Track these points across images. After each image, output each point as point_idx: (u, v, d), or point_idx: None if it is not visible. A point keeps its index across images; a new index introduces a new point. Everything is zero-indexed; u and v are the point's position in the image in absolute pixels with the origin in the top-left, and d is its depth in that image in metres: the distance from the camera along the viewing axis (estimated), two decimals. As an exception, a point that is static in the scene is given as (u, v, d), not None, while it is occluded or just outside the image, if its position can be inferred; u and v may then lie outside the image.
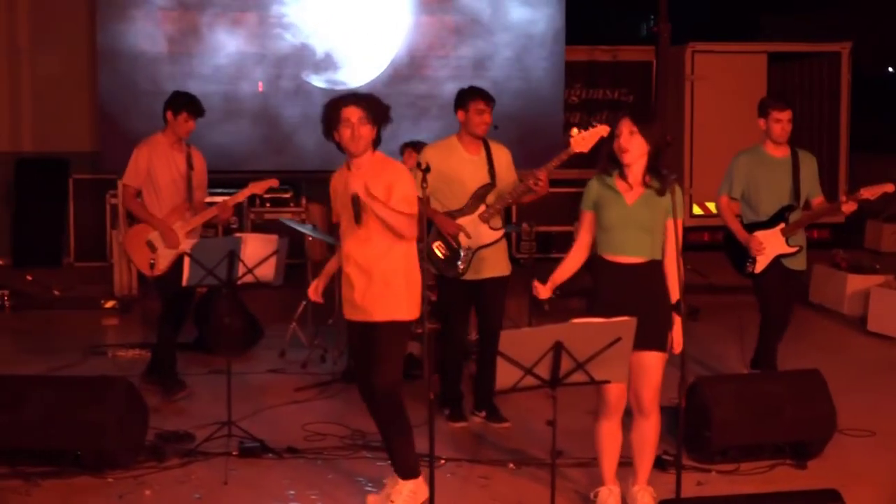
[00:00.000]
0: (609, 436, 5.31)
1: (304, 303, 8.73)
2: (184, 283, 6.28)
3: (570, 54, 12.06)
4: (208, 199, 7.81)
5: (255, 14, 11.13)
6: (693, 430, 6.11)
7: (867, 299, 9.89)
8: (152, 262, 7.13)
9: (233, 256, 6.21)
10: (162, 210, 7.22)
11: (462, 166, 6.46)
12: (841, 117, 13.99)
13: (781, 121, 6.90)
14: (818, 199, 7.13)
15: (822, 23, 17.99)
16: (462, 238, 6.44)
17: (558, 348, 4.33)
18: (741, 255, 7.02)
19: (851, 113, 13.92)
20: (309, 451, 6.33)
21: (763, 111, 6.97)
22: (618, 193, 5.09)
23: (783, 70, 14.43)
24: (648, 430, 5.32)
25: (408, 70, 11.35)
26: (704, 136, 13.28)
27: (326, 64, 11.27)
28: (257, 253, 6.33)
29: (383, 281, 5.27)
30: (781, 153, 7.04)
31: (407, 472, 5.36)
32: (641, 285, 5.07)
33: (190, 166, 7.30)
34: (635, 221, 5.06)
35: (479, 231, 6.43)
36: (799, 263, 7.08)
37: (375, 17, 11.31)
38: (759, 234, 6.95)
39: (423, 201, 5.28)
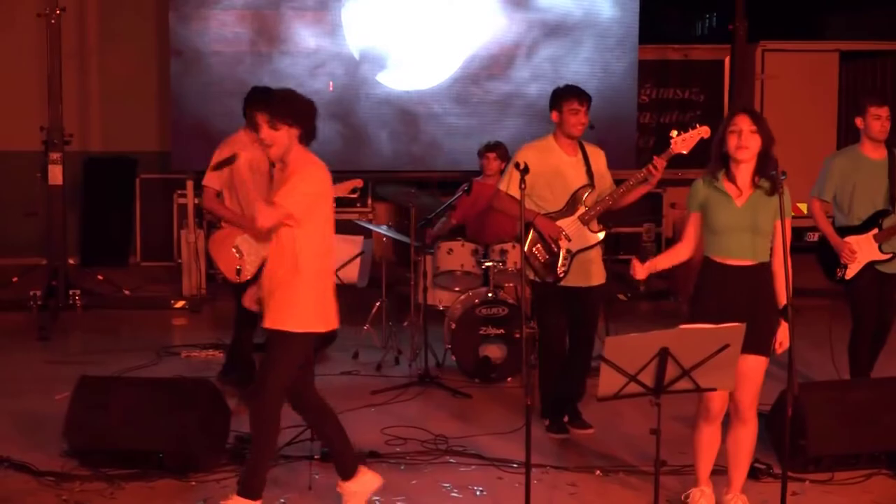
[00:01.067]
0: (709, 440, 5.23)
1: (377, 304, 8.71)
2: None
3: (642, 53, 11.91)
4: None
5: (327, 13, 11.08)
6: (790, 435, 6.01)
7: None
8: (239, 267, 6.95)
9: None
10: (247, 210, 7.06)
11: (563, 167, 6.36)
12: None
13: (881, 117, 6.74)
14: None
15: (892, 21, 17.68)
16: (562, 241, 6.32)
17: (664, 355, 4.24)
18: (832, 259, 6.87)
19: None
20: (391, 456, 6.27)
21: (861, 108, 6.82)
22: (727, 195, 4.99)
23: (855, 69, 14.21)
24: (745, 437, 5.23)
25: (483, 70, 11.26)
26: (775, 135, 13.04)
27: (397, 63, 11.19)
28: (342, 254, 6.27)
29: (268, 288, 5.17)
30: (879, 155, 6.87)
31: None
32: (748, 288, 4.97)
33: (272, 164, 7.17)
34: (745, 224, 4.95)
35: (581, 234, 6.33)
36: (895, 268, 6.91)
37: (449, 16, 11.24)
38: (851, 239, 6.79)
39: (521, 203, 5.19)
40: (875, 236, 6.77)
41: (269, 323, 5.11)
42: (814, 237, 6.72)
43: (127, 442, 5.88)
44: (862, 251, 6.76)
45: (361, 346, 8.66)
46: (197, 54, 10.90)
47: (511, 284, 8.29)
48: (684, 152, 5.90)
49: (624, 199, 6.43)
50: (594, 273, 6.49)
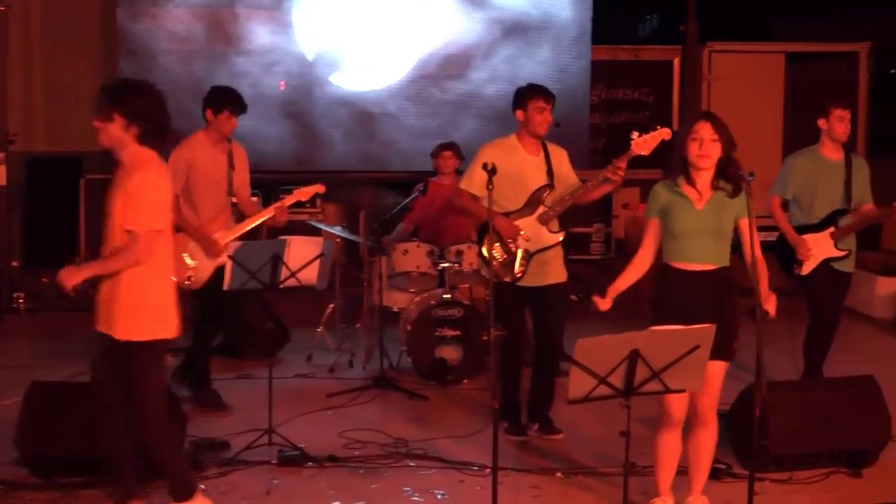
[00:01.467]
0: (669, 447, 5.21)
1: (331, 306, 8.64)
2: (225, 287, 6.10)
3: (593, 54, 11.91)
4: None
5: (280, 12, 10.94)
6: (747, 437, 6.02)
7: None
8: (190, 275, 6.84)
9: (277, 260, 6.07)
10: (201, 217, 6.94)
11: (524, 166, 6.31)
12: (859, 118, 13.89)
13: (844, 119, 6.87)
14: (868, 206, 7.04)
15: (837, 25, 17.95)
16: (521, 241, 6.28)
17: (634, 356, 4.22)
18: (790, 256, 6.95)
19: (872, 114, 13.83)
20: (350, 460, 6.21)
21: (824, 110, 6.91)
22: (687, 199, 4.98)
23: (801, 70, 14.33)
24: (706, 440, 5.25)
25: (440, 70, 11.20)
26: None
27: (351, 63, 11.09)
28: (302, 256, 6.18)
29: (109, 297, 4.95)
30: (837, 156, 7.00)
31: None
32: (709, 293, 4.98)
33: (231, 166, 7.07)
34: (706, 228, 4.96)
35: (539, 233, 6.29)
36: (848, 266, 7.06)
37: (404, 15, 11.16)
38: (809, 237, 6.92)
39: (489, 204, 5.15)
40: (832, 234, 6.89)
41: (120, 334, 4.86)
42: (772, 237, 6.78)
43: (80, 449, 5.72)
44: (818, 248, 6.88)
45: (315, 349, 8.58)
46: (147, 52, 10.71)
47: (466, 285, 8.26)
48: (645, 153, 5.89)
49: (584, 199, 6.41)
50: (552, 272, 6.45)
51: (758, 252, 4.79)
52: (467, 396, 7.62)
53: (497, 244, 6.30)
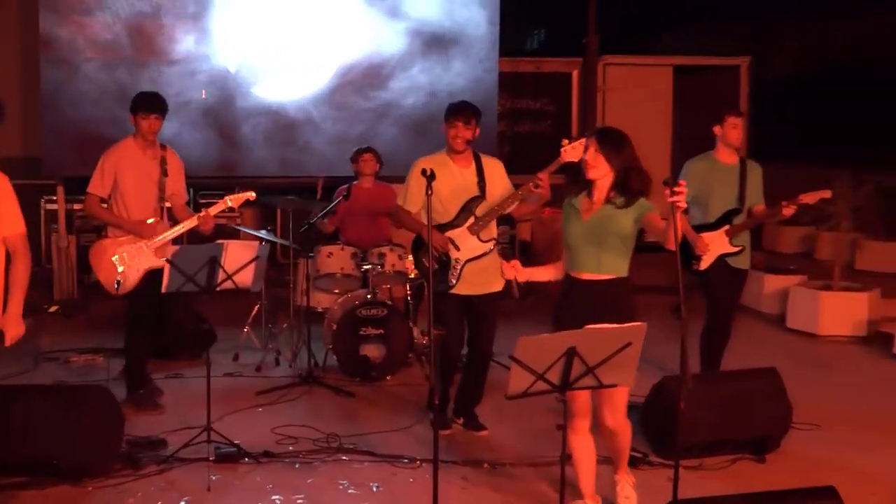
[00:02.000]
0: (582, 451, 5.18)
1: (256, 306, 8.54)
2: (163, 289, 5.96)
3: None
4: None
5: (198, 23, 10.74)
6: (661, 427, 6.11)
7: (785, 298, 10.09)
8: (119, 280, 6.70)
9: (214, 263, 5.95)
10: (133, 218, 6.80)
11: (452, 179, 6.22)
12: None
13: (738, 126, 7.04)
14: (760, 207, 7.20)
15: (720, 40, 18.27)
16: (451, 251, 6.25)
17: (571, 353, 4.23)
18: (688, 253, 7.06)
19: (753, 122, 14.15)
20: (285, 455, 6.15)
21: (719, 118, 7.07)
22: (577, 211, 4.99)
23: (687, 82, 14.60)
24: (619, 444, 5.24)
25: (359, 79, 11.09)
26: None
27: (271, 72, 10.94)
28: (238, 259, 6.07)
29: None
30: (731, 160, 7.15)
31: None
32: (602, 303, 4.92)
33: (164, 173, 6.90)
34: (587, 238, 4.94)
35: (469, 243, 6.20)
36: (742, 262, 7.21)
37: (324, 26, 11.04)
38: (706, 235, 7.05)
39: (428, 208, 5.10)
40: (726, 231, 7.04)
41: None
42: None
43: (19, 450, 5.57)
44: (714, 245, 7.04)
45: (241, 349, 8.47)
46: (70, 59, 10.42)
47: (388, 286, 8.23)
48: (574, 160, 5.79)
49: (519, 212, 6.42)
50: (488, 281, 6.31)
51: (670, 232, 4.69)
52: (392, 392, 7.59)
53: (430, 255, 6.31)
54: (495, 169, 6.43)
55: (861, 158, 12.96)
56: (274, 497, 5.52)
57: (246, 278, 6.16)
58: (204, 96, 10.75)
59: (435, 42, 11.20)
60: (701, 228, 7.10)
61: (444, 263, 6.26)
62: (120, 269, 6.69)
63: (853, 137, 16.50)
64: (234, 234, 10.29)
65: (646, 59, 14.89)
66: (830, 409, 7.09)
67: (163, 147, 6.99)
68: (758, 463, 6.12)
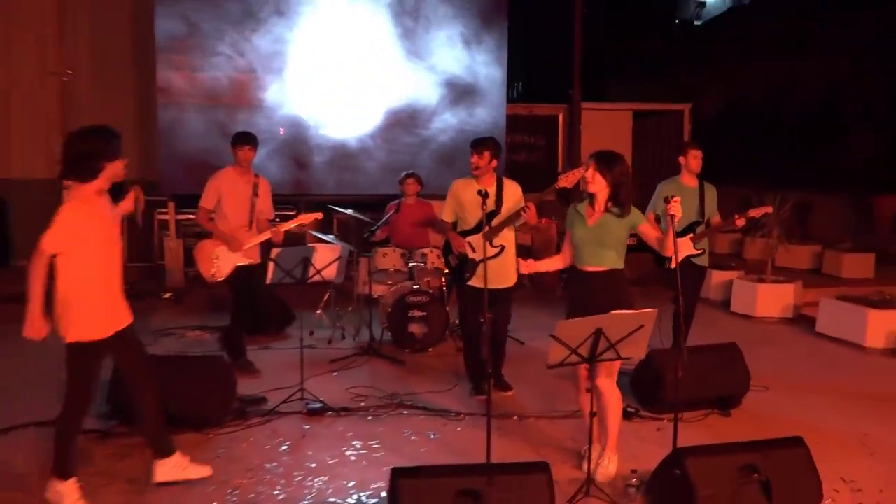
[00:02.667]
0: (587, 405, 4.96)
1: (327, 294, 8.47)
2: (267, 282, 5.90)
3: (502, 109, 11.98)
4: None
5: (279, 76, 10.70)
6: (650, 390, 6.06)
7: (729, 288, 10.04)
8: (213, 272, 6.65)
9: (307, 262, 5.89)
10: (230, 227, 6.73)
11: (475, 197, 6.12)
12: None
13: (697, 157, 6.96)
14: (716, 218, 7.13)
15: (669, 89, 18.25)
16: (468, 252, 6.18)
17: (598, 333, 4.18)
18: (661, 255, 6.97)
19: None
20: (359, 410, 6.08)
21: (683, 150, 7.03)
22: (583, 216, 4.92)
23: (642, 123, 14.59)
24: (607, 405, 4.96)
25: (404, 119, 11.08)
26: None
27: (332, 115, 10.92)
28: (324, 258, 6.02)
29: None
30: (693, 183, 7.06)
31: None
32: (602, 289, 4.83)
33: (255, 194, 6.82)
34: (592, 239, 4.86)
35: (482, 247, 6.06)
36: (703, 261, 7.13)
37: (373, 78, 11.03)
38: (678, 240, 6.95)
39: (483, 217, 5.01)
40: (691, 238, 6.94)
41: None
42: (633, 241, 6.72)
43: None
44: (682, 248, 6.90)
45: (314, 327, 8.39)
46: (181, 103, 10.38)
47: (428, 279, 8.17)
48: (568, 186, 5.70)
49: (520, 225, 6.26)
50: (500, 278, 6.19)
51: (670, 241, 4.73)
52: (432, 361, 7.49)
53: (452, 255, 6.26)
54: (511, 189, 6.32)
55: (774, 179, 12.97)
56: (354, 442, 5.46)
57: (331, 273, 6.11)
58: (282, 133, 10.71)
59: (461, 92, 11.18)
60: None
61: (463, 261, 6.20)
62: (216, 263, 6.64)
63: (768, 162, 16.50)
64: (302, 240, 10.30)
65: (611, 105, 14.86)
66: (773, 375, 7.03)
67: (256, 175, 6.95)
68: (724, 417, 6.07)
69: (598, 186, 4.84)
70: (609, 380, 4.92)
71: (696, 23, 38.26)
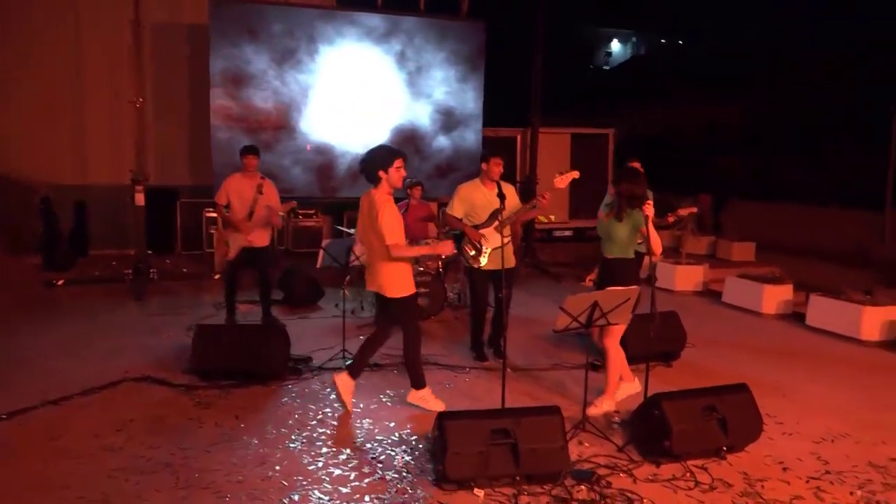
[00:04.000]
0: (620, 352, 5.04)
1: (348, 277, 8.25)
2: (318, 266, 5.71)
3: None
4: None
5: (306, 107, 10.45)
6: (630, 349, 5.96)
7: (653, 268, 10.00)
8: (227, 252, 6.75)
9: (349, 250, 5.71)
10: (237, 216, 6.76)
11: (483, 197, 6.01)
12: (608, 171, 14.20)
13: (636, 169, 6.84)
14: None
15: (597, 116, 18.31)
16: (483, 241, 6.04)
17: (594, 305, 4.09)
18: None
19: (616, 171, 14.10)
20: (387, 366, 5.92)
21: (628, 161, 6.92)
22: (601, 217, 4.90)
23: (578, 144, 14.51)
24: (611, 360, 4.98)
25: (408, 136, 10.88)
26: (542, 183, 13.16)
27: (346, 134, 10.66)
28: (363, 247, 5.82)
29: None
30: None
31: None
32: (613, 271, 4.83)
33: (259, 192, 6.69)
34: (606, 235, 4.84)
35: (494, 238, 5.96)
36: (641, 249, 6.96)
37: (380, 104, 10.82)
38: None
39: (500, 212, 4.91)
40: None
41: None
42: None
43: (231, 363, 5.33)
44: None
45: (340, 301, 8.14)
46: (231, 124, 10.08)
47: (429, 262, 8.00)
48: (562, 187, 5.64)
49: (523, 218, 6.17)
50: (507, 260, 5.97)
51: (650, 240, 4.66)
52: (435, 326, 7.35)
53: (468, 244, 6.08)
54: (509, 189, 6.18)
55: (673, 187, 13.07)
56: (388, 391, 5.33)
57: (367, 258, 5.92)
58: (308, 149, 10.44)
59: (449, 116, 11.01)
60: None
61: (478, 249, 6.06)
62: (227, 246, 6.73)
63: (666, 173, 16.63)
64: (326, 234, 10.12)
65: (554, 129, 14.75)
66: (696, 335, 6.96)
67: (262, 177, 6.82)
68: (667, 367, 6.04)
69: (614, 193, 4.83)
70: (613, 341, 4.88)
71: (605, 68, 38.46)
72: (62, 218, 10.47)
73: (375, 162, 4.58)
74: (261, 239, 6.76)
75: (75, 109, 11.06)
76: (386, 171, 4.57)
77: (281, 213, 6.86)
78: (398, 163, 4.59)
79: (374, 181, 4.63)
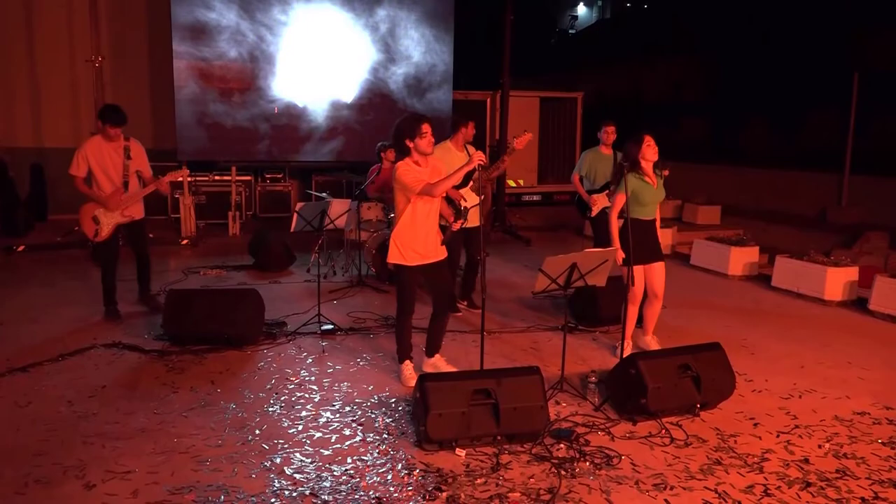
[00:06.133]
0: (633, 315, 5.18)
1: (320, 240, 8.16)
2: (291, 230, 5.61)
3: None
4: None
5: (273, 66, 10.16)
6: (585, 308, 6.04)
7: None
8: (96, 230, 5.71)
9: (323, 213, 5.62)
10: (103, 191, 5.74)
11: (456, 159, 5.95)
12: (577, 135, 14.21)
13: (610, 132, 6.93)
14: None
15: (566, 80, 18.19)
16: (462, 202, 6.01)
17: (573, 266, 4.10)
18: (584, 206, 7.00)
19: (584, 134, 14.15)
20: (361, 330, 5.89)
21: (600, 127, 6.99)
22: (648, 183, 5.07)
23: (547, 107, 14.47)
24: (657, 306, 5.22)
25: (377, 99, 10.70)
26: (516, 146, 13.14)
27: (318, 96, 10.44)
28: (337, 210, 5.75)
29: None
30: (608, 152, 7.03)
31: None
32: (653, 230, 5.06)
33: (128, 157, 5.71)
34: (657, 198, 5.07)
35: (471, 197, 5.97)
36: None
37: (351, 66, 10.58)
38: (595, 196, 6.94)
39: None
40: (606, 194, 6.91)
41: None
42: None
43: (205, 329, 5.25)
44: (600, 202, 6.90)
45: (311, 265, 8.10)
46: (193, 85, 9.75)
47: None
48: (520, 148, 5.63)
49: (492, 176, 6.21)
50: (476, 219, 6.08)
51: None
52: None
53: (451, 206, 6.07)
54: (475, 152, 6.20)
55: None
56: (364, 355, 5.31)
57: (342, 222, 5.86)
58: (276, 112, 10.20)
59: (420, 78, 10.85)
60: (591, 192, 7.00)
61: (459, 210, 6.03)
62: (97, 224, 5.71)
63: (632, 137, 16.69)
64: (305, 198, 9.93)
65: (524, 93, 14.65)
66: (666, 297, 6.82)
67: (127, 139, 5.76)
68: (639, 328, 6.05)
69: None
70: (659, 291, 5.08)
71: (570, 31, 38.22)
72: (19, 182, 10.11)
73: (403, 133, 4.39)
74: (139, 210, 5.89)
75: (30, 69, 10.61)
76: (413, 140, 4.41)
77: (168, 181, 5.84)
78: (424, 128, 4.42)
79: (406, 152, 4.43)
